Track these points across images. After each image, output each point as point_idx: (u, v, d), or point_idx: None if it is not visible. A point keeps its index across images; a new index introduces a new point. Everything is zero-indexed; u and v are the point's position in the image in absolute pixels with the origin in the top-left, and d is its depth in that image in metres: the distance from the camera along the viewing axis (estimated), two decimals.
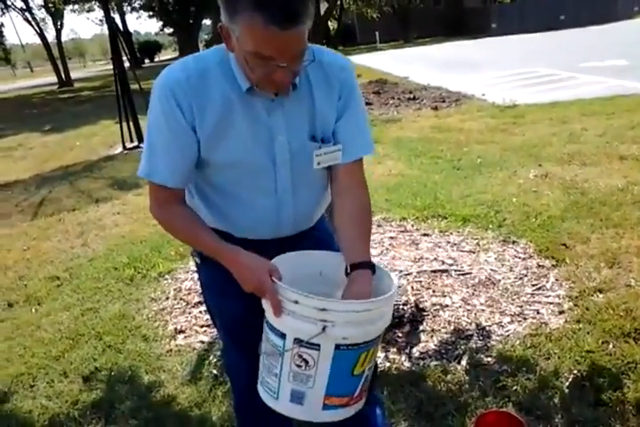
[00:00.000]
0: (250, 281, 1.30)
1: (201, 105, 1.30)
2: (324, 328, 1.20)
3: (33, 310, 3.39)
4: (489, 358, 2.42)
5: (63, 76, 28.76)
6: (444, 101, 9.48)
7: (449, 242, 3.62)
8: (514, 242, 3.51)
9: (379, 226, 4.00)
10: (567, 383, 2.21)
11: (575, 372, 2.26)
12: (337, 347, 1.24)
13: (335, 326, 1.21)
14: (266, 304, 1.30)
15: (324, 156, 1.41)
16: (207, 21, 40.10)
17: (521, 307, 2.80)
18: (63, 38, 33.74)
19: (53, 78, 30.02)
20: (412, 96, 10.30)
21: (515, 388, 2.21)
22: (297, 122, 1.38)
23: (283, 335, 1.26)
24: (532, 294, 2.90)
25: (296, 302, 1.21)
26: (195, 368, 2.59)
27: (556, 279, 3.01)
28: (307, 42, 1.18)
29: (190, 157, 1.36)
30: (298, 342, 1.23)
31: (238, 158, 1.36)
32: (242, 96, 1.31)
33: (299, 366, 1.27)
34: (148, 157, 1.37)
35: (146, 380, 2.55)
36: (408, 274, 3.20)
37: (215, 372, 2.53)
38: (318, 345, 1.23)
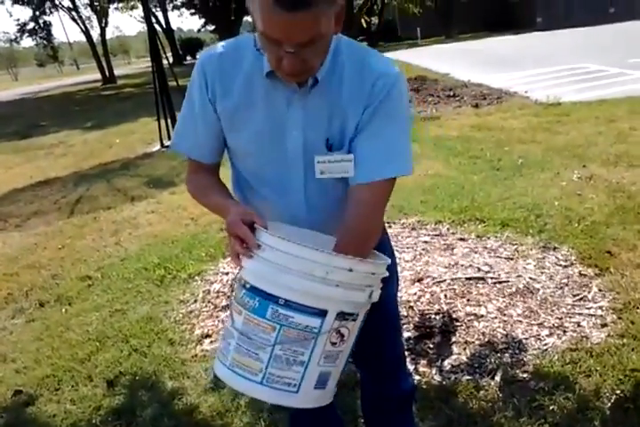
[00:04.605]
0: (225, 225, 1.21)
1: (226, 82, 1.29)
2: (370, 294, 1.16)
3: (63, 311, 3.40)
4: (524, 374, 2.29)
5: (107, 73, 29.34)
6: (484, 99, 9.24)
7: (486, 247, 3.48)
8: (555, 248, 3.35)
9: (412, 229, 3.89)
10: (609, 404, 2.07)
11: (618, 392, 2.12)
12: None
13: (375, 289, 1.18)
14: (290, 290, 1.11)
15: (328, 164, 1.28)
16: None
17: (560, 319, 2.65)
18: (108, 36, 34.53)
19: (98, 75, 30.66)
20: (451, 93, 10.08)
21: (552, 407, 2.09)
22: (316, 120, 1.28)
23: (322, 313, 1.12)
24: (572, 305, 2.75)
25: (350, 270, 1.11)
26: None
27: (599, 289, 2.85)
28: (322, 28, 1.08)
29: (212, 132, 1.35)
30: (341, 316, 1.13)
31: (251, 145, 1.33)
32: (266, 80, 1.26)
33: (334, 343, 1.16)
34: (177, 127, 1.42)
35: (169, 386, 2.51)
36: (441, 281, 3.08)
37: None
38: (357, 315, 1.17)
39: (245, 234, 1.15)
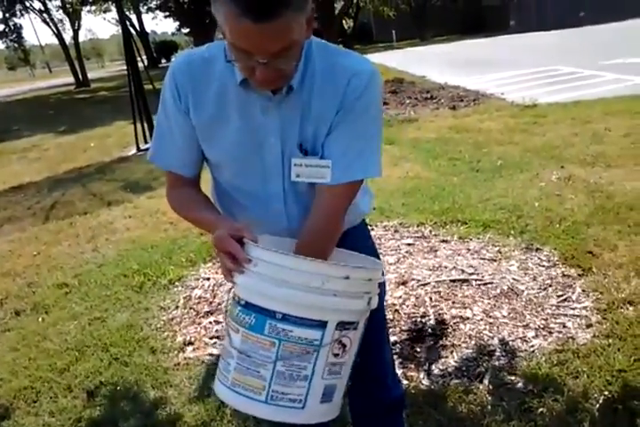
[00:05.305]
0: (213, 241, 1.17)
1: (198, 93, 1.24)
2: (368, 301, 1.13)
3: (40, 319, 3.31)
4: (513, 377, 2.28)
5: (80, 76, 28.96)
6: (461, 101, 9.30)
7: (469, 249, 3.47)
8: (537, 249, 3.35)
9: (395, 231, 3.87)
10: (598, 406, 2.06)
11: (606, 393, 2.12)
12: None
13: (372, 296, 1.15)
14: (286, 304, 1.08)
15: (304, 168, 1.25)
16: None
17: (546, 320, 2.65)
18: (81, 39, 34.11)
19: (71, 79, 30.24)
20: (429, 95, 10.13)
21: (541, 410, 2.07)
22: (292, 126, 1.25)
23: (322, 324, 1.09)
24: (557, 306, 2.75)
25: (347, 278, 1.08)
26: (202, 384, 2.48)
27: (583, 290, 2.86)
28: (294, 36, 1.05)
29: (190, 144, 1.31)
30: (341, 326, 1.10)
31: (227, 156, 1.30)
32: (240, 89, 1.22)
33: (336, 354, 1.12)
34: (154, 139, 1.37)
35: (152, 396, 2.45)
36: (426, 284, 3.06)
37: None
38: (357, 323, 1.14)
39: (235, 249, 1.11)
